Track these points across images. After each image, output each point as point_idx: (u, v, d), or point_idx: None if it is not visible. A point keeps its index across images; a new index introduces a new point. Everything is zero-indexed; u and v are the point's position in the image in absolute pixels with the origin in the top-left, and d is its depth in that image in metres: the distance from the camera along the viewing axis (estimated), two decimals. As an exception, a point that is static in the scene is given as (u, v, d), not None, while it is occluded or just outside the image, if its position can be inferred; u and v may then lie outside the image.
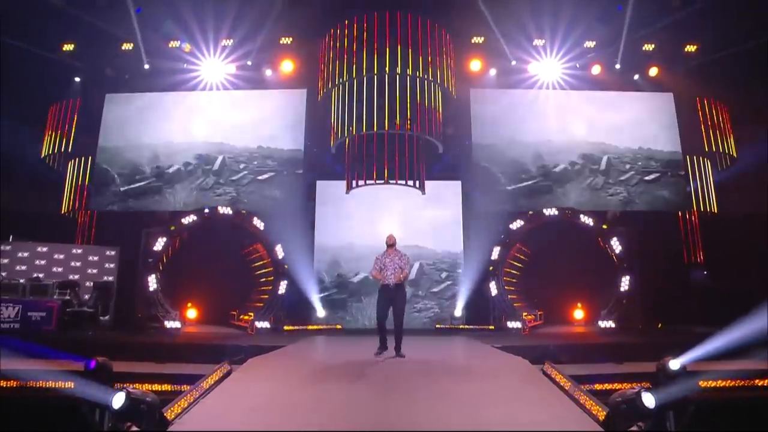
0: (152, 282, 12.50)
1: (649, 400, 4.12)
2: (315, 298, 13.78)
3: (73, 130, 15.78)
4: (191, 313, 13.62)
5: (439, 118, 13.86)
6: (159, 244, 12.77)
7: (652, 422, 4.17)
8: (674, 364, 7.05)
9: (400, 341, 7.72)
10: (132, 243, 13.21)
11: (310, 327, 13.24)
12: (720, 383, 7.55)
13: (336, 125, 13.79)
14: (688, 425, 7.03)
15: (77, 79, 15.99)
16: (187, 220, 13.10)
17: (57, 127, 15.95)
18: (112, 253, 13.71)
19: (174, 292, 13.22)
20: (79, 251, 13.57)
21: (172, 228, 12.99)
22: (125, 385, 4.34)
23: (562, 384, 6.00)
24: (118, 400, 4.08)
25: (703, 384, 7.41)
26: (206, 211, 13.32)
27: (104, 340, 10.22)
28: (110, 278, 13.42)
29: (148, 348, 9.22)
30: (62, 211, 15.63)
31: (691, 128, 15.74)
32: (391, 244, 7.98)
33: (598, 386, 7.55)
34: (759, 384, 7.65)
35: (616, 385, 7.75)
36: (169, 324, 12.11)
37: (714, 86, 15.37)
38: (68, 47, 15.52)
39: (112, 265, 13.63)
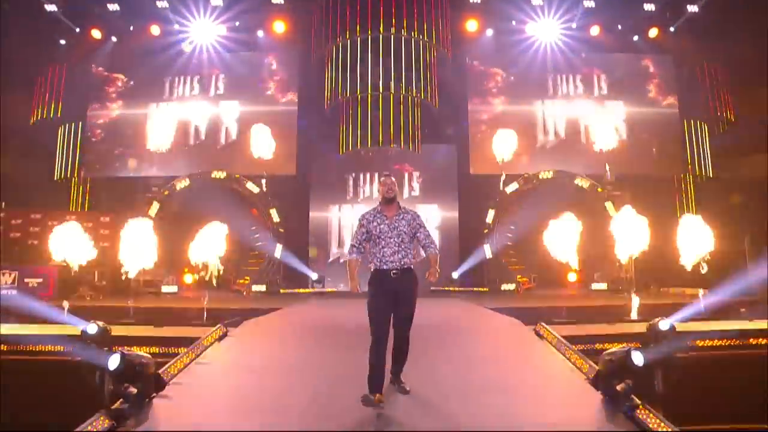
0: (149, 247, 12.46)
1: (638, 358, 4.18)
2: (315, 260, 13.82)
3: (61, 96, 15.48)
4: (188, 278, 13.68)
5: (434, 79, 13.65)
6: (153, 209, 12.72)
7: (639, 380, 4.24)
8: (664, 324, 7.21)
9: (401, 363, 4.37)
10: (126, 209, 13.14)
11: (305, 290, 13.34)
12: (707, 342, 7.70)
13: (330, 87, 13.57)
14: (675, 383, 7.22)
15: (62, 42, 15.60)
16: (180, 185, 13.02)
17: (45, 93, 15.63)
18: (107, 219, 13.66)
19: (171, 256, 13.22)
20: (73, 218, 13.50)
21: (166, 193, 12.92)
22: (122, 348, 4.36)
23: (553, 343, 6.09)
24: (113, 362, 4.11)
25: (690, 343, 7.58)
26: (199, 175, 13.23)
27: (102, 305, 10.29)
28: (105, 244, 13.40)
29: (145, 312, 9.29)
30: (55, 178, 15.49)
31: (690, 91, 15.56)
32: (390, 197, 4.26)
33: (589, 346, 7.68)
34: (743, 343, 7.79)
35: (607, 345, 7.87)
36: (166, 288, 12.18)
37: (715, 49, 15.10)
38: (50, 7, 15.04)
39: (106, 232, 13.60)
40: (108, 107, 15.37)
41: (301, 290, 13.37)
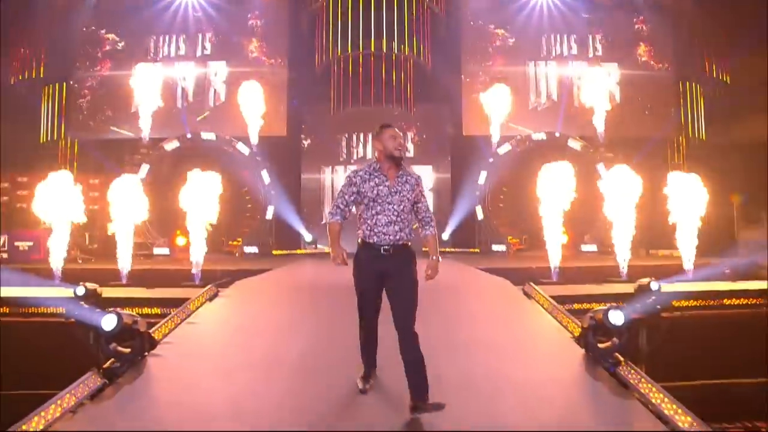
0: (140, 209, 12.41)
1: (615, 317, 4.25)
2: (308, 221, 13.80)
3: (43, 55, 15.00)
4: (180, 240, 13.64)
5: (428, 38, 13.37)
6: (143, 171, 12.60)
7: (626, 338, 4.33)
8: (652, 285, 7.35)
9: (418, 380, 3.15)
10: (115, 171, 12.97)
11: (298, 251, 13.39)
12: (691, 303, 7.88)
13: (321, 46, 13.27)
14: (659, 341, 7.42)
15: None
16: (169, 146, 12.87)
17: (26, 52, 15.13)
18: (96, 181, 13.50)
19: (163, 219, 13.18)
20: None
21: (155, 155, 12.77)
22: (115, 309, 4.39)
23: (541, 303, 6.19)
24: (108, 322, 4.13)
25: (675, 303, 7.76)
26: (189, 136, 13.05)
27: (93, 268, 10.30)
28: (95, 207, 13.30)
29: (137, 274, 9.32)
30: (41, 141, 15.21)
31: (686, 53, 15.33)
32: (399, 155, 3.37)
33: (577, 306, 7.79)
34: (725, 303, 7.97)
35: (594, 305, 8.03)
36: (158, 251, 12.18)
37: (712, 10, 14.78)
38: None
39: (96, 194, 13.47)
40: (94, 67, 14.97)
41: (294, 251, 13.42)
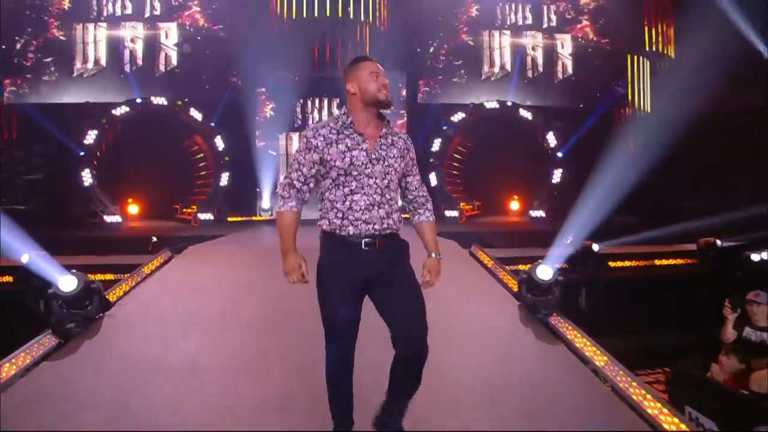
0: (87, 177, 12.10)
1: (543, 272, 4.61)
2: (262, 188, 13.68)
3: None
4: (132, 208, 13.38)
5: (384, 5, 13.32)
6: (90, 138, 12.20)
7: (557, 292, 4.70)
8: (594, 246, 7.87)
9: (407, 395, 2.45)
10: (61, 138, 12.51)
11: (255, 218, 13.36)
12: (626, 263, 8.50)
13: (276, 8, 13.03)
14: (596, 299, 8.00)
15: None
16: (118, 112, 12.46)
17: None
18: (40, 149, 13.00)
19: (112, 187, 12.87)
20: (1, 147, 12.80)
21: (104, 120, 12.36)
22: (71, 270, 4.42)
23: (485, 263, 6.56)
24: (66, 284, 4.17)
25: (611, 264, 8.35)
26: (138, 101, 12.67)
27: (43, 236, 10.04)
28: (40, 175, 12.87)
29: (89, 242, 9.19)
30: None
31: (635, 27, 15.82)
32: (385, 100, 2.40)
33: (521, 266, 8.27)
34: (657, 264, 8.63)
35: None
36: (110, 219, 11.94)
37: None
38: None
39: (41, 161, 13.01)
40: (38, 28, 14.16)
41: (251, 218, 13.36)
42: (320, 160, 2.32)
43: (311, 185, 2.37)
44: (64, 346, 3.90)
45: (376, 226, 2.29)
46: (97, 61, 14.34)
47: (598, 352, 3.72)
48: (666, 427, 2.84)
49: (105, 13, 14.32)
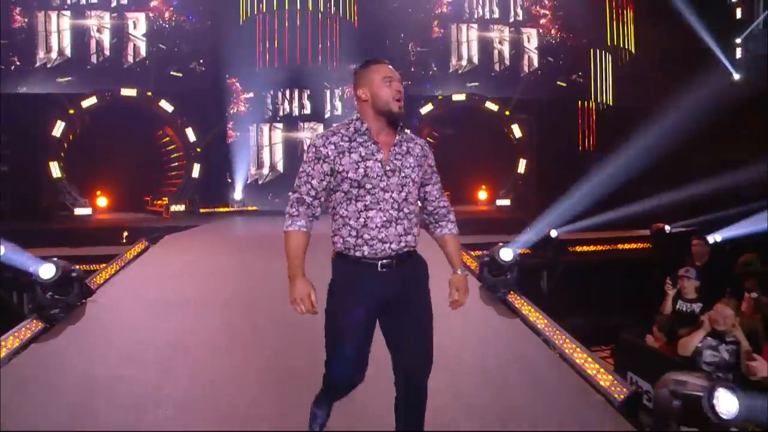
0: (55, 169, 12.00)
1: (505, 254, 4.98)
2: (235, 179, 13.78)
3: None
4: (101, 201, 13.29)
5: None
6: (58, 129, 12.08)
7: (515, 272, 5.07)
8: (552, 233, 8.34)
9: (415, 426, 2.26)
10: (27, 129, 12.33)
11: (227, 209, 13.46)
12: (584, 248, 9.03)
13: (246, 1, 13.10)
14: (556, 282, 8.49)
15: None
16: (87, 103, 12.36)
17: None
18: (6, 138, 12.77)
19: (81, 179, 12.78)
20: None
21: (72, 111, 12.25)
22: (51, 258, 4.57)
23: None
24: (46, 271, 4.33)
25: (570, 249, 8.87)
26: (108, 93, 12.58)
27: (11, 229, 9.98)
28: (5, 167, 12.65)
29: (59, 234, 9.20)
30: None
31: (598, 22, 16.40)
32: (396, 113, 2.15)
33: (486, 252, 8.70)
34: (614, 248, 9.20)
35: (503, 252, 9.00)
36: (79, 211, 11.88)
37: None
38: None
39: (6, 152, 12.78)
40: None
41: (222, 209, 13.46)
42: (331, 171, 2.10)
43: (322, 199, 2.15)
44: (50, 330, 4.09)
45: (393, 245, 2.11)
46: (61, 51, 14.11)
47: (549, 324, 4.12)
48: (603, 384, 3.26)
49: (69, 1, 14.06)
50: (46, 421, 2.89)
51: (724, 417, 2.34)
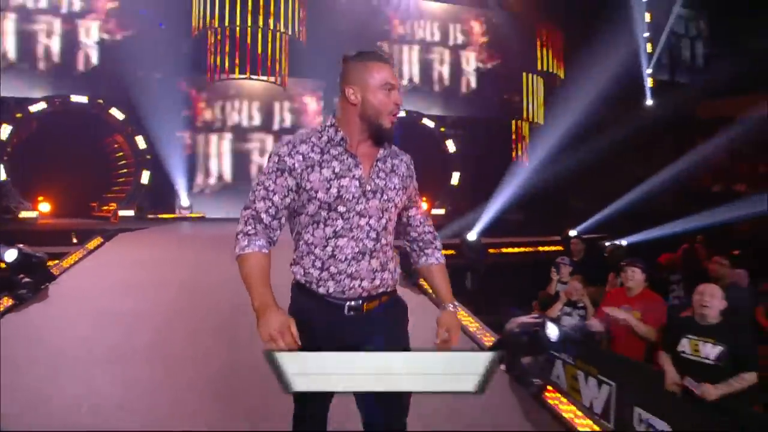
0: (0, 172, 12.10)
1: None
2: (181, 186, 14.12)
3: None
4: (44, 206, 13.19)
5: (302, 17, 14.36)
6: (4, 133, 12.22)
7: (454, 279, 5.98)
8: (471, 236, 9.39)
9: None
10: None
11: (174, 215, 13.78)
12: (504, 250, 10.18)
13: (198, 14, 13.68)
14: (480, 282, 9.56)
15: None
16: (35, 108, 12.54)
17: None
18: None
19: (25, 184, 12.83)
20: None
21: (19, 116, 12.40)
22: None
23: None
24: (10, 255, 4.90)
25: (491, 251, 9.98)
26: (57, 99, 12.80)
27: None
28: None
29: (6, 234, 9.37)
30: None
31: (529, 48, 17.96)
32: (387, 128, 1.76)
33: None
34: (530, 250, 10.40)
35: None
36: (25, 214, 12.01)
37: (554, 11, 17.47)
38: None
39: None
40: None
41: (170, 215, 13.76)
42: (296, 186, 1.71)
43: (282, 220, 1.74)
44: (20, 306, 4.66)
45: (365, 283, 1.72)
46: (4, 55, 14.07)
47: (477, 324, 4.93)
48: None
49: (12, 2, 13.97)
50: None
51: (552, 339, 3.39)
